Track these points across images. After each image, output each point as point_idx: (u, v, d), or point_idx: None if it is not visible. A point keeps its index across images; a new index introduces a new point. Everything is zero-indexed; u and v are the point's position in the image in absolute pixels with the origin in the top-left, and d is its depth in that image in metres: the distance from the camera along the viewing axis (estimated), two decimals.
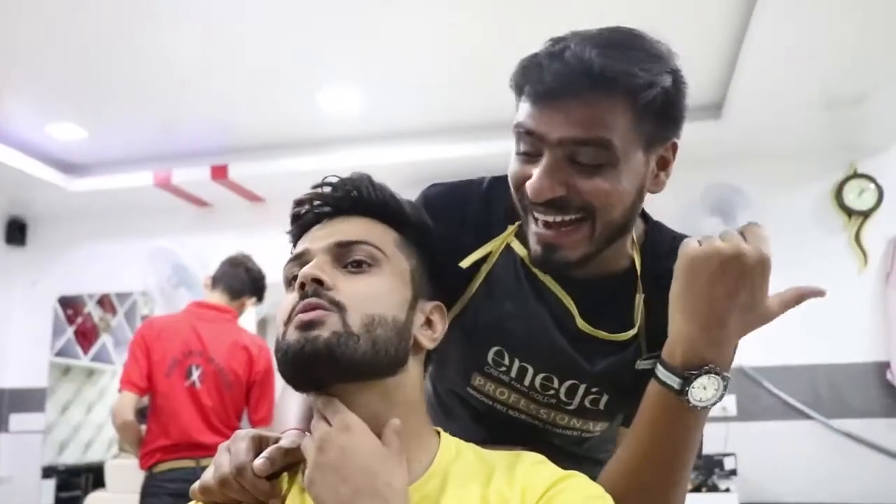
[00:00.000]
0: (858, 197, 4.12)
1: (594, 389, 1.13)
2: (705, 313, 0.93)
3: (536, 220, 1.03)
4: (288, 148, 4.33)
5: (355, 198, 0.98)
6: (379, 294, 0.92)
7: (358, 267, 0.93)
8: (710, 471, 3.74)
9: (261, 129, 4.21)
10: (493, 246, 1.17)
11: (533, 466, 0.90)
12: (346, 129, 4.18)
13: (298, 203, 0.99)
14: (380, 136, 4.24)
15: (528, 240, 1.06)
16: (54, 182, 4.53)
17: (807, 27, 2.91)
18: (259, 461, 0.89)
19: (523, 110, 1.01)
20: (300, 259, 0.94)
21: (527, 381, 1.17)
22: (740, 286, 0.91)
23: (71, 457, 5.10)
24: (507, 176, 1.12)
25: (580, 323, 1.11)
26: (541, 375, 1.16)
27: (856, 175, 4.14)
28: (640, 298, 1.10)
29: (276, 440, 0.94)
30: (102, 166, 4.62)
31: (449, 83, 3.69)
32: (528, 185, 0.99)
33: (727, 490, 3.68)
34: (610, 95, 0.96)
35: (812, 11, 2.80)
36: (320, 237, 0.95)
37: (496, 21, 3.12)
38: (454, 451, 0.93)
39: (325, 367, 0.86)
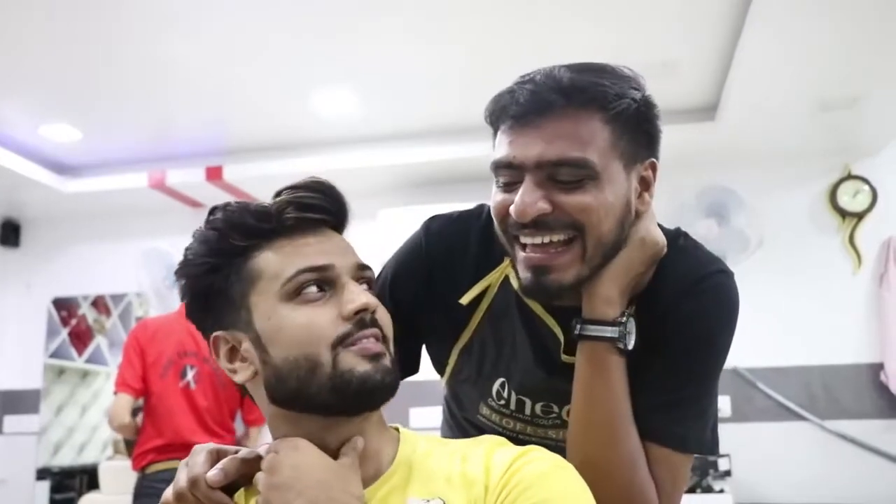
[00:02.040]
0: (853, 199, 4.13)
1: None
2: (624, 280, 1.05)
3: (524, 246, 1.03)
4: (283, 150, 4.32)
5: (344, 210, 0.97)
6: (390, 320, 0.96)
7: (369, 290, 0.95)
8: (705, 472, 3.75)
9: (255, 130, 4.20)
10: (492, 279, 1.17)
11: (494, 447, 0.92)
12: (341, 130, 4.17)
13: (299, 206, 0.93)
14: (374, 137, 4.24)
15: (517, 270, 1.05)
16: (48, 183, 4.52)
17: (801, 30, 2.91)
18: (212, 472, 0.90)
19: (500, 144, 1.03)
20: (324, 272, 0.90)
21: (527, 411, 1.19)
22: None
23: (65, 458, 5.08)
24: None
25: (564, 358, 1.11)
26: (539, 404, 1.18)
27: (850, 177, 4.15)
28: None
29: (236, 452, 0.94)
30: (97, 167, 4.61)
31: (443, 85, 3.68)
32: (512, 206, 0.99)
33: (721, 491, 3.69)
34: (583, 109, 0.99)
35: (806, 14, 2.80)
36: (335, 252, 0.92)
37: (491, 24, 3.12)
38: (415, 443, 0.95)
39: (388, 396, 0.90)
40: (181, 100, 3.82)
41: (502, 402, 1.20)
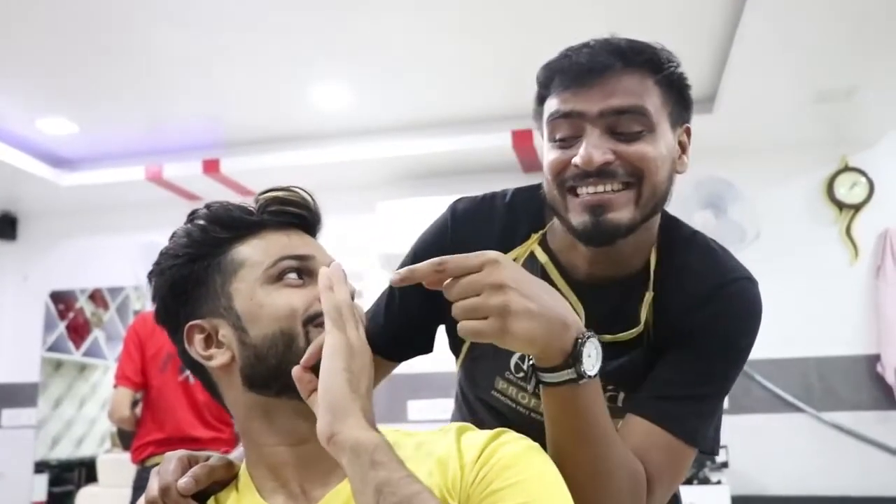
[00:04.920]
0: (850, 190, 4.13)
1: (609, 387, 1.15)
2: (548, 316, 0.90)
3: (579, 195, 1.06)
4: (279, 142, 4.32)
5: (319, 217, 1.02)
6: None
7: None
8: (702, 463, 3.76)
9: (252, 123, 4.20)
10: (518, 253, 1.19)
11: (462, 430, 0.92)
12: (337, 123, 4.17)
13: (282, 202, 0.98)
14: (370, 130, 4.23)
15: (570, 221, 1.07)
16: (45, 177, 4.51)
17: (797, 22, 2.91)
18: (183, 480, 0.91)
19: (555, 101, 1.07)
20: (305, 261, 0.94)
21: None
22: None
23: (63, 451, 5.09)
24: (529, 187, 1.21)
25: None
26: None
27: (847, 168, 4.15)
28: (649, 296, 1.12)
29: (207, 459, 0.96)
30: (93, 161, 4.60)
31: (438, 78, 3.68)
32: (578, 157, 1.03)
33: (718, 482, 3.70)
34: (638, 70, 1.06)
35: (803, 6, 2.80)
36: (314, 247, 0.97)
37: (485, 17, 3.11)
38: (382, 434, 0.95)
39: None
40: (178, 93, 3.82)
41: (521, 374, 1.20)
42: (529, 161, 4.33)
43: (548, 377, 0.93)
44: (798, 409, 4.04)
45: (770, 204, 4.11)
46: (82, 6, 2.97)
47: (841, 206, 4.14)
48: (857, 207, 4.13)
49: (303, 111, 4.04)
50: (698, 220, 3.88)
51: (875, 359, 4.00)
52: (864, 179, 4.13)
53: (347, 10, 3.06)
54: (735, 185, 3.99)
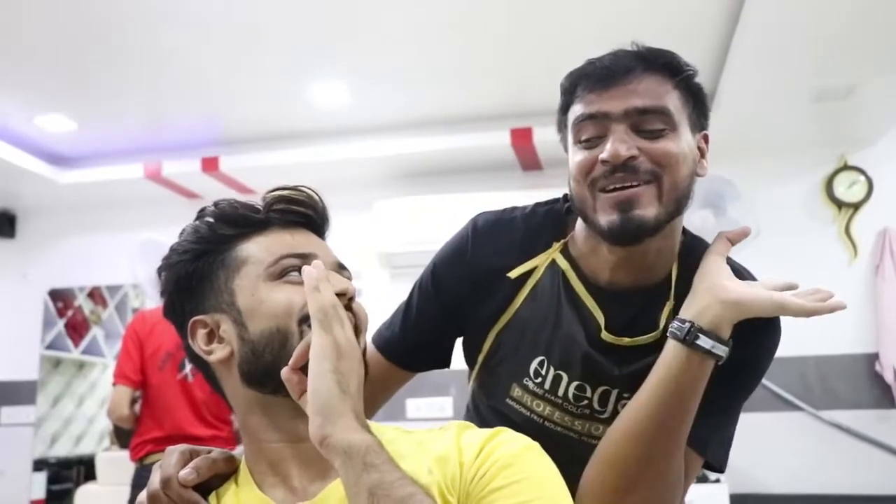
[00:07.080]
0: (848, 189, 4.13)
1: (626, 395, 1.17)
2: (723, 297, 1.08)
3: (607, 192, 1.10)
4: (278, 140, 4.32)
5: (326, 216, 1.02)
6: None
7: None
8: None
9: (251, 121, 4.19)
10: (540, 261, 1.23)
11: (462, 429, 0.92)
12: (336, 121, 4.17)
13: (288, 201, 0.99)
14: (369, 128, 4.23)
15: (599, 220, 1.11)
16: (44, 174, 4.51)
17: (796, 20, 2.91)
18: (185, 471, 0.92)
19: (580, 104, 1.12)
20: (307, 259, 0.94)
21: (560, 392, 1.21)
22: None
23: (62, 449, 5.09)
24: (549, 200, 1.26)
25: (604, 335, 1.16)
26: (574, 384, 1.20)
27: (846, 167, 4.15)
28: (669, 305, 1.16)
29: (208, 453, 0.96)
30: (92, 158, 4.60)
31: (437, 76, 3.68)
32: (605, 152, 1.07)
33: (717, 481, 3.70)
34: (658, 73, 1.12)
35: (802, 5, 2.80)
36: (318, 246, 0.97)
37: (484, 16, 3.11)
38: (382, 432, 0.95)
39: None
40: (177, 90, 3.81)
41: (539, 379, 1.22)
42: (528, 159, 4.33)
43: (705, 342, 1.06)
44: (797, 408, 4.04)
45: (769, 203, 4.11)
46: (81, 4, 2.97)
47: (840, 204, 4.14)
48: (856, 206, 4.13)
49: (301, 109, 4.03)
50: (697, 219, 3.88)
51: (874, 357, 4.00)
52: (863, 178, 4.13)
53: (346, 9, 3.06)
54: (734, 184, 3.99)
